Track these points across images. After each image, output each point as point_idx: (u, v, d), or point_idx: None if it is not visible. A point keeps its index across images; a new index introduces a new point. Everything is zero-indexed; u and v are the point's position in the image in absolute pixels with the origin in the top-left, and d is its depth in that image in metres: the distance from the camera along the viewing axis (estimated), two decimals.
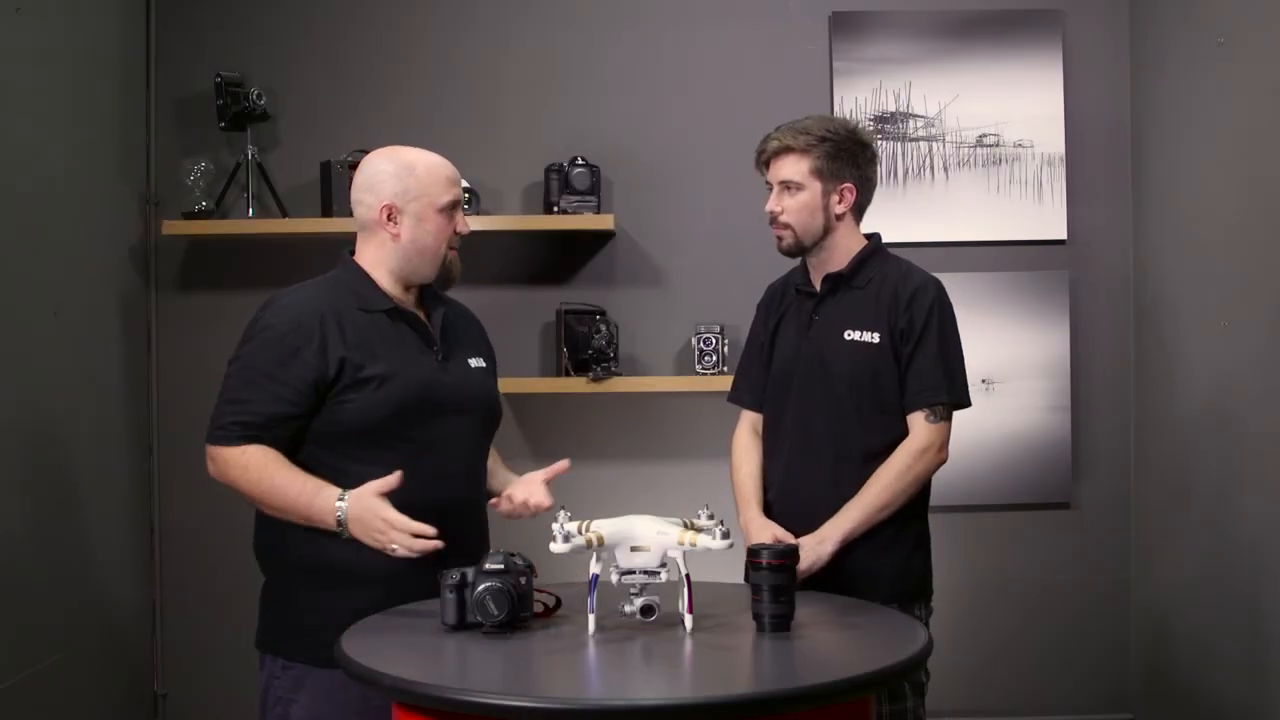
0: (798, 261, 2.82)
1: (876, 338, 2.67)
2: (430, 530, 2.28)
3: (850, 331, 2.69)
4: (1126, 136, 3.93)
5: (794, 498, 2.72)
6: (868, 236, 2.79)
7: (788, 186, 2.70)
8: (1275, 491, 3.10)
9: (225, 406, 2.41)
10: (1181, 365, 3.62)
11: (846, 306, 2.72)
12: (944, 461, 2.69)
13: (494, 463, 2.69)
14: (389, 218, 2.47)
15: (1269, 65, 3.14)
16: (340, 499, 2.33)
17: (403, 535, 2.28)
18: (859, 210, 2.76)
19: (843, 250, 2.74)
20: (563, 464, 2.53)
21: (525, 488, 2.54)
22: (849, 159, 2.71)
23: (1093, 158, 3.93)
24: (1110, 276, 3.94)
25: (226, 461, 2.39)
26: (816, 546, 2.58)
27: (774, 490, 2.78)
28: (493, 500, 2.59)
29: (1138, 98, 3.89)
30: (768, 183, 2.76)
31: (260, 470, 2.37)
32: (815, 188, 2.69)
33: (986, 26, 3.91)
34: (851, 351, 2.68)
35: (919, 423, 2.66)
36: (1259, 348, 3.19)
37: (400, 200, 2.46)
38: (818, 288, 2.76)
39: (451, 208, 2.50)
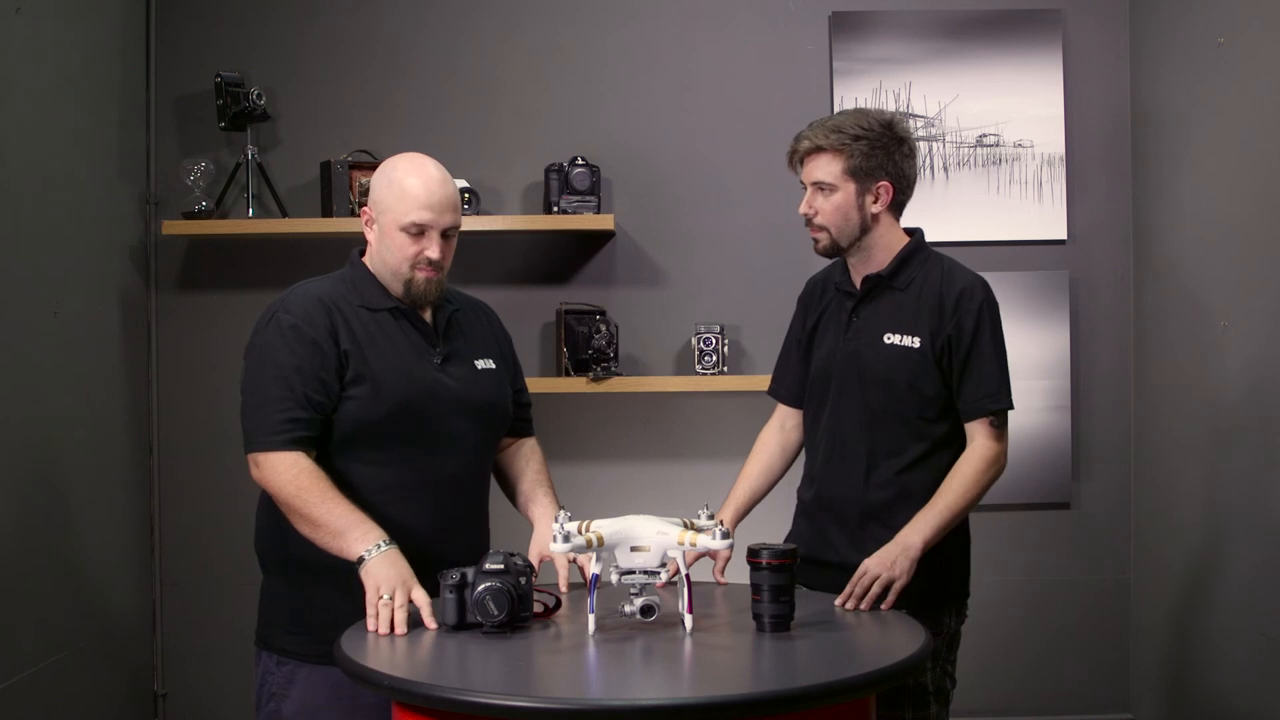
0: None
1: (917, 342, 2.58)
2: (424, 612, 2.22)
3: (890, 335, 2.60)
4: (1126, 136, 3.92)
5: (828, 498, 2.67)
6: (909, 232, 2.69)
7: (820, 188, 2.60)
8: (1275, 491, 3.10)
9: (264, 410, 2.35)
10: (1181, 365, 3.62)
11: (887, 309, 2.63)
12: (1003, 470, 2.61)
13: (533, 482, 2.67)
14: (368, 222, 2.50)
15: (1269, 65, 3.14)
16: (386, 542, 2.27)
17: (400, 611, 2.20)
18: (898, 207, 2.66)
19: (882, 248, 2.65)
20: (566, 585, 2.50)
21: (536, 549, 2.54)
22: (884, 156, 2.59)
23: (1093, 158, 3.93)
24: (1110, 276, 3.93)
25: (275, 468, 2.33)
26: (903, 552, 2.46)
27: (809, 489, 2.73)
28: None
29: (1138, 98, 3.89)
30: (802, 182, 2.66)
31: (311, 479, 2.31)
32: (849, 188, 2.59)
33: (986, 26, 3.91)
34: (890, 355, 2.60)
35: (984, 430, 2.57)
36: (1259, 348, 3.19)
37: (375, 209, 2.47)
38: (858, 287, 2.67)
39: (415, 230, 2.42)
